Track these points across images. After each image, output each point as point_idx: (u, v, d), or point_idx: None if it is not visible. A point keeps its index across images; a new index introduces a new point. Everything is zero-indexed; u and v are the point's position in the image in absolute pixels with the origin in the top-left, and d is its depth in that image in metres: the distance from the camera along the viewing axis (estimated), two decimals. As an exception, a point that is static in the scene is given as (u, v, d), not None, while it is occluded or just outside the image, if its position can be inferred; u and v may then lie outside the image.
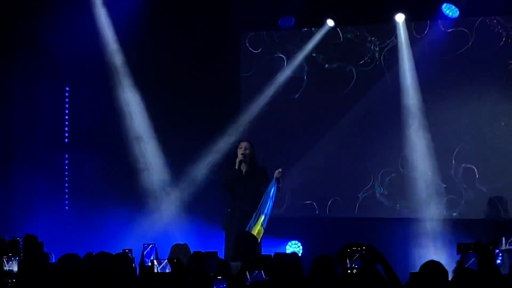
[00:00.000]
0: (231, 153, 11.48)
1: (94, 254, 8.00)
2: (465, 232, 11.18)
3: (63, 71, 12.97)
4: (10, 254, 6.63)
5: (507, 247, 7.45)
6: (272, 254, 7.67)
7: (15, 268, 6.60)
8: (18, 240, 7.78)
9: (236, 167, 10.78)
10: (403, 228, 11.83)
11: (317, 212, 12.74)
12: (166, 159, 12.75)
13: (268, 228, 10.52)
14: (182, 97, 12.81)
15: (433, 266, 6.08)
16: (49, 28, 12.31)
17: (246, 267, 6.57)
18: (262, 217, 10.43)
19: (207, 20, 13.06)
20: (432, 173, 12.04)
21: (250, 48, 13.20)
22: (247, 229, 10.24)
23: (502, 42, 11.95)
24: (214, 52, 13.06)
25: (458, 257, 7.15)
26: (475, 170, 11.98)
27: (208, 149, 12.66)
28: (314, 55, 12.88)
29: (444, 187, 12.09)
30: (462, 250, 7.14)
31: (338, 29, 12.74)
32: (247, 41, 13.22)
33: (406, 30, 12.31)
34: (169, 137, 12.69)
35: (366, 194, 12.51)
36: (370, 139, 12.51)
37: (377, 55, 12.58)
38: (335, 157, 12.60)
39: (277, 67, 12.98)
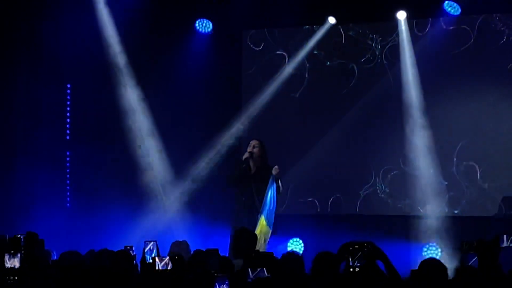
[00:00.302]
0: (233, 150, 11.49)
1: (95, 251, 8.02)
2: (467, 230, 11.19)
3: (64, 68, 12.97)
4: (12, 252, 6.63)
5: (509, 244, 7.45)
6: (274, 252, 7.66)
7: (17, 266, 6.60)
8: (20, 237, 7.78)
9: (243, 165, 10.78)
10: (405, 226, 11.82)
11: (318, 209, 12.74)
12: (168, 156, 12.75)
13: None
14: (184, 94, 12.81)
15: (432, 264, 6.07)
16: (51, 25, 12.34)
17: (248, 264, 6.56)
18: (262, 217, 10.42)
19: (209, 18, 13.07)
20: (434, 170, 12.03)
21: (252, 46, 13.20)
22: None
23: (503, 40, 11.94)
24: (216, 50, 13.07)
25: (460, 254, 7.15)
26: (477, 167, 11.98)
27: (210, 146, 12.66)
28: (315, 52, 12.88)
29: (446, 185, 12.09)
30: (465, 248, 7.14)
31: (340, 27, 12.74)
32: (248, 38, 13.22)
33: (407, 27, 12.31)
34: (170, 134, 12.70)
35: (367, 191, 12.52)
36: (371, 136, 12.51)
37: (378, 52, 12.58)
38: (337, 154, 12.61)
39: (279, 65, 12.98)
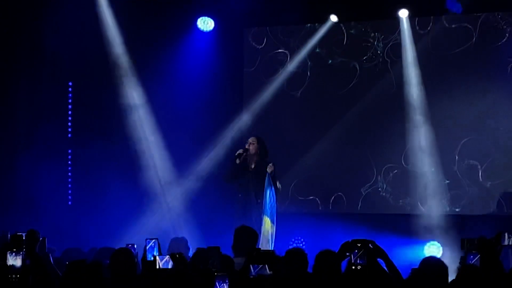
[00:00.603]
0: (234, 148, 11.47)
1: (97, 249, 8.03)
2: (468, 228, 11.19)
3: (66, 66, 12.98)
4: (14, 250, 6.62)
5: (510, 243, 7.45)
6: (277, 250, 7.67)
7: (19, 264, 6.60)
8: (21, 235, 7.77)
9: (237, 161, 10.79)
10: (406, 224, 11.82)
11: (320, 207, 12.75)
12: (169, 154, 12.75)
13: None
14: (185, 93, 12.82)
15: (432, 262, 6.08)
16: (53, 23, 12.33)
17: (250, 262, 6.55)
18: (265, 217, 10.42)
19: (211, 16, 13.07)
20: (435, 169, 12.03)
21: (254, 44, 13.20)
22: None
23: (505, 38, 11.93)
24: (218, 48, 13.07)
25: (461, 252, 7.15)
26: (478, 166, 11.97)
27: (211, 144, 12.67)
28: (317, 50, 12.87)
29: (447, 183, 12.08)
30: (466, 246, 7.14)
31: (342, 25, 12.73)
32: (250, 36, 13.22)
33: (409, 25, 12.30)
34: (172, 132, 12.70)
35: (369, 189, 12.52)
36: (373, 134, 12.51)
37: (380, 51, 12.57)
38: (338, 152, 12.61)
39: (280, 63, 12.99)
